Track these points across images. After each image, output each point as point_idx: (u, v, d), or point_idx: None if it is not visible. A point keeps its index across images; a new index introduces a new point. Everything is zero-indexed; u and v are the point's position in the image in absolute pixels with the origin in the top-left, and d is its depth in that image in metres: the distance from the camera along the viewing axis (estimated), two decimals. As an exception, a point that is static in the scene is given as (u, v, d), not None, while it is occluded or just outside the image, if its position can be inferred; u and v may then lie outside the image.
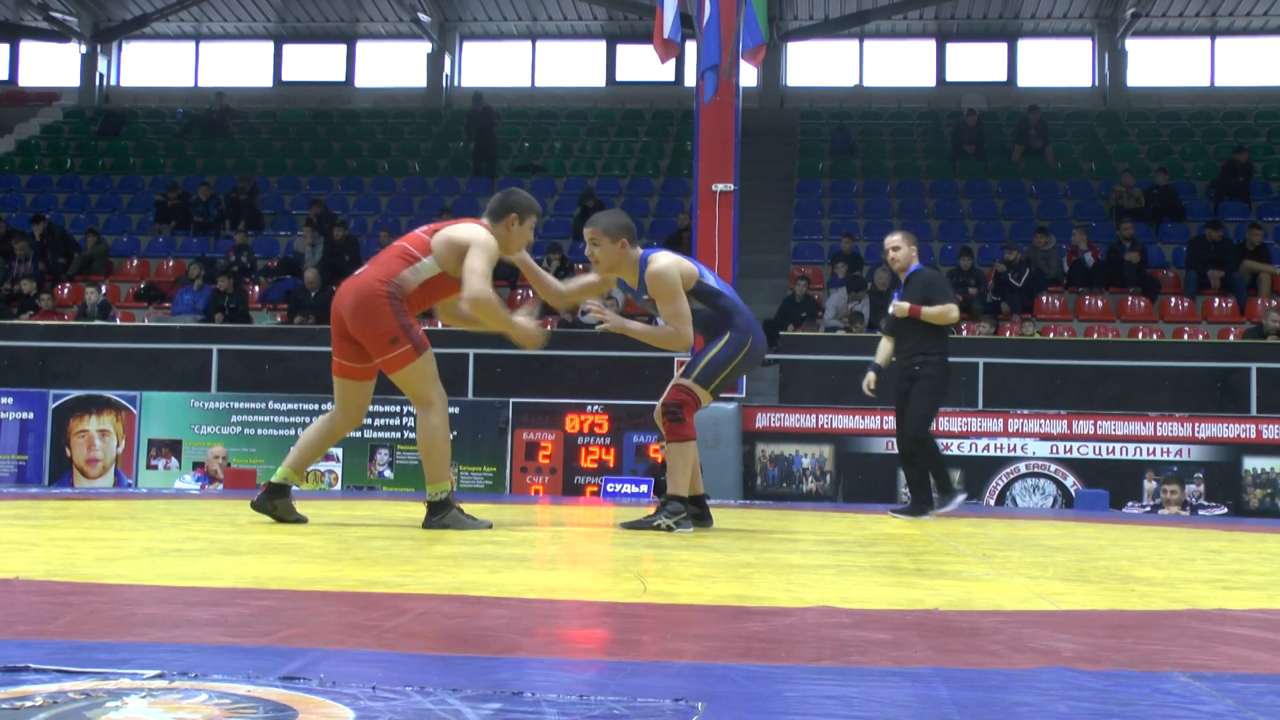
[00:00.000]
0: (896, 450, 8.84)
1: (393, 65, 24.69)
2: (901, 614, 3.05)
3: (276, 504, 5.80)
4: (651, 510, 6.44)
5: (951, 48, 23.50)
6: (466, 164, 21.19)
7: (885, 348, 8.54)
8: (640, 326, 6.14)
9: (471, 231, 5.64)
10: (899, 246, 8.37)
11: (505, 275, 17.09)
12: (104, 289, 16.61)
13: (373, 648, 2.32)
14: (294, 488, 5.91)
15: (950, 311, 8.16)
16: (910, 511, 8.29)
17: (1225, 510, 11.41)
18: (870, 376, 8.50)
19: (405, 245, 5.72)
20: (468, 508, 6.08)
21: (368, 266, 5.76)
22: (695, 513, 6.25)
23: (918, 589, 3.63)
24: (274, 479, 5.84)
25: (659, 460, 11.14)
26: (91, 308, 15.52)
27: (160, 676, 1.94)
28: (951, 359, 12.77)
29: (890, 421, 12.25)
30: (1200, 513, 10.95)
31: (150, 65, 25.23)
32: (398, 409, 12.48)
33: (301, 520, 5.80)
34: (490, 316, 5.62)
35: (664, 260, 6.00)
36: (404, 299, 5.60)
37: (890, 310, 8.42)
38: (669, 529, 5.86)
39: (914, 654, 2.41)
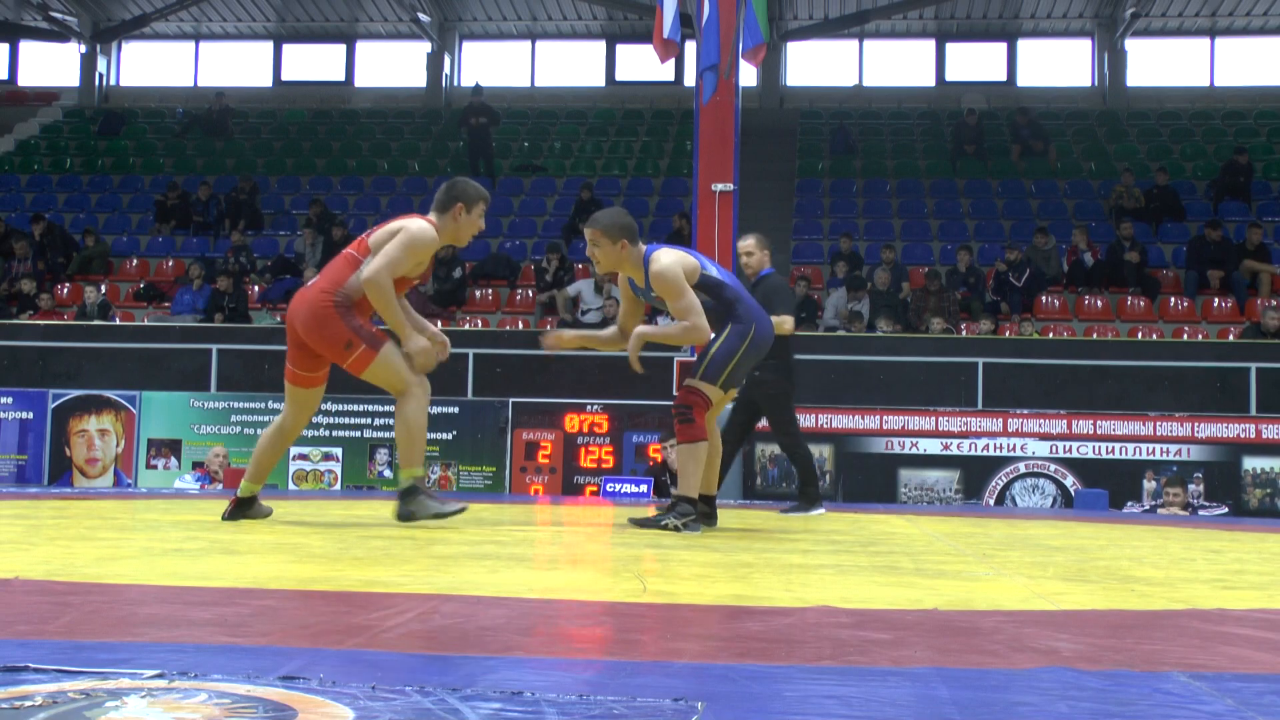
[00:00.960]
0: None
1: (392, 65, 24.70)
2: (901, 614, 3.05)
3: (248, 514, 5.98)
4: (652, 510, 6.44)
5: (951, 47, 23.50)
6: (465, 162, 21.19)
7: None
8: (656, 330, 6.14)
9: (403, 221, 5.73)
10: (752, 252, 8.37)
11: (505, 275, 17.10)
12: (104, 289, 16.60)
13: (372, 648, 2.32)
14: (258, 495, 6.09)
15: (786, 323, 8.10)
16: (800, 509, 8.31)
17: (1225, 510, 11.41)
18: None
19: (349, 251, 5.81)
20: (471, 507, 6.12)
21: (317, 277, 5.86)
22: (704, 510, 6.25)
23: (917, 589, 3.63)
24: (239, 494, 6.01)
25: (658, 460, 11.13)
26: (91, 307, 15.52)
27: (160, 676, 1.94)
28: (951, 358, 12.93)
29: (890, 422, 12.29)
30: (1200, 513, 10.95)
31: (150, 65, 25.24)
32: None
33: (269, 512, 6.06)
34: (382, 305, 5.62)
35: (666, 259, 5.96)
36: (353, 304, 5.67)
37: None
38: (676, 529, 5.84)
39: (914, 654, 2.40)
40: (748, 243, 8.45)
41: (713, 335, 6.11)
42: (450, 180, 6.00)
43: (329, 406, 12.64)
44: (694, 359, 6.27)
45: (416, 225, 5.68)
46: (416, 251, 5.64)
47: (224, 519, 5.92)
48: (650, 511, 6.67)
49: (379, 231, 5.76)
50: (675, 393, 6.24)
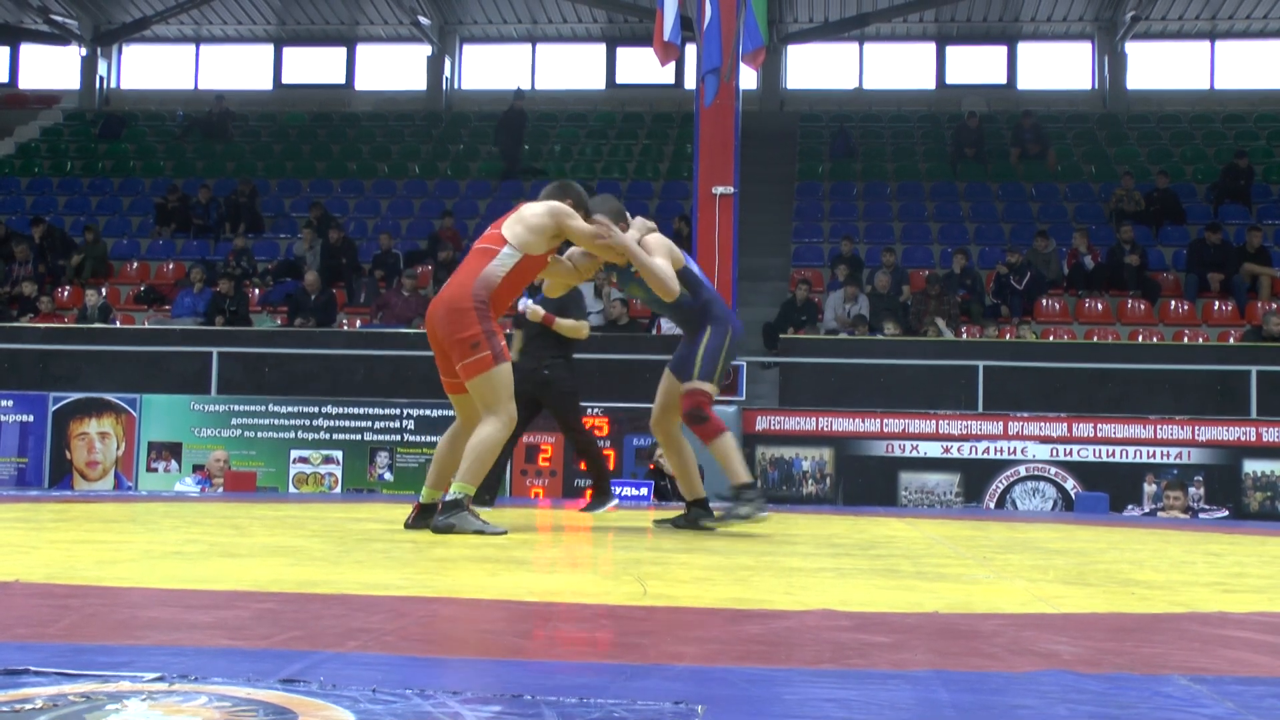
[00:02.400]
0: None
1: (393, 68, 24.70)
2: (901, 617, 3.05)
3: (428, 523, 5.86)
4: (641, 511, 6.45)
5: (951, 50, 23.50)
6: (467, 166, 21.19)
7: (518, 343, 8.55)
8: (644, 255, 6.06)
9: (534, 205, 5.94)
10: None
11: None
12: (104, 291, 16.60)
13: (373, 650, 2.32)
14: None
15: (583, 329, 8.38)
16: (592, 506, 8.38)
17: (1225, 513, 11.41)
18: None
19: (483, 245, 5.89)
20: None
21: (452, 277, 5.92)
22: (700, 514, 6.36)
23: (917, 592, 3.63)
24: (421, 499, 5.98)
25: (655, 466, 11.12)
26: (91, 310, 15.52)
27: (160, 679, 1.94)
28: (951, 361, 12.92)
29: (890, 425, 12.28)
30: (1200, 516, 10.95)
31: (150, 68, 25.24)
32: (397, 411, 12.49)
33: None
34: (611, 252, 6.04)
35: (659, 236, 6.24)
36: (490, 302, 5.71)
37: (522, 309, 8.48)
38: (749, 517, 6.06)
39: (914, 657, 2.41)
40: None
41: (692, 335, 6.23)
42: (562, 181, 6.21)
43: (330, 409, 12.65)
44: (674, 360, 6.33)
45: (553, 203, 5.93)
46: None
47: (406, 527, 5.88)
48: (654, 514, 6.72)
49: (508, 221, 5.92)
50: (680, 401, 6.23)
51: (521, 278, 5.89)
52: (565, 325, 8.35)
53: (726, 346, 6.18)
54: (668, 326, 14.31)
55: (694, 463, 6.56)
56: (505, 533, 5.57)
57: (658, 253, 6.08)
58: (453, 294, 5.75)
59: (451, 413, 6.20)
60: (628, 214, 6.24)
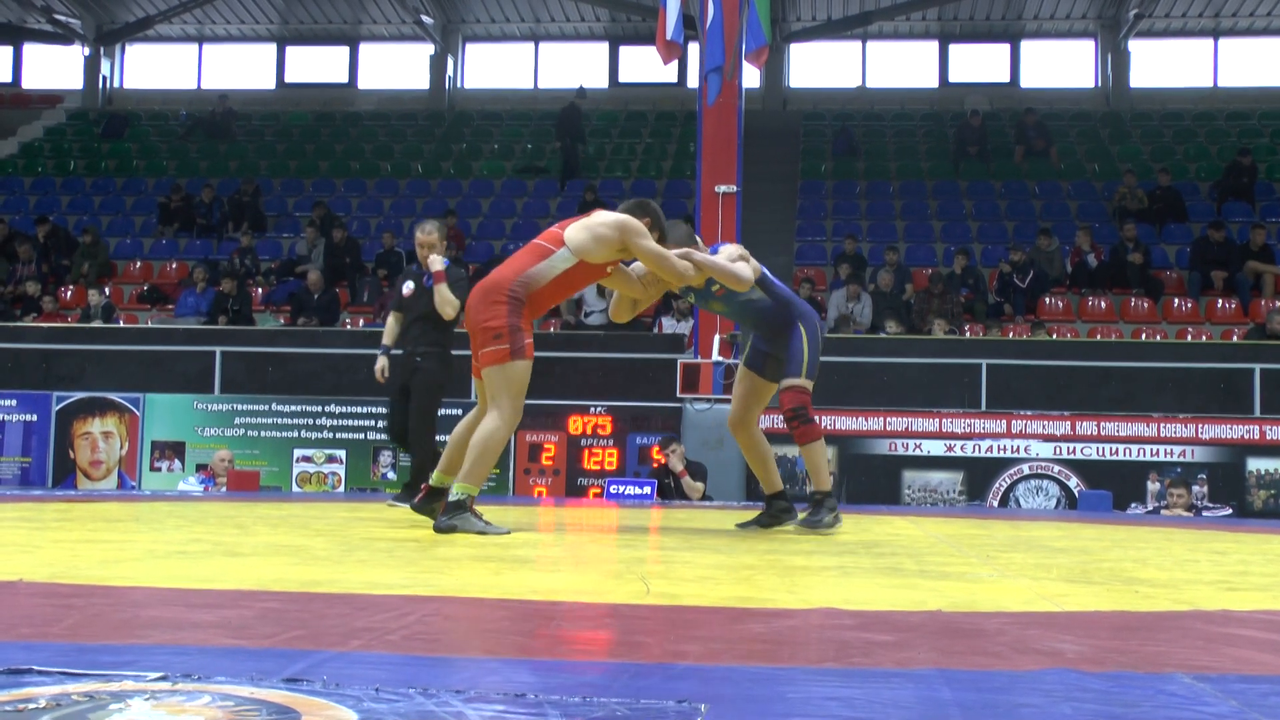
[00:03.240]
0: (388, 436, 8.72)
1: (396, 67, 24.70)
2: (905, 615, 3.04)
3: (435, 506, 5.88)
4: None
5: (954, 49, 23.48)
6: (469, 165, 21.19)
7: (394, 328, 8.43)
8: (706, 257, 6.09)
9: (604, 215, 5.83)
10: (434, 243, 8.26)
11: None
12: (107, 291, 16.61)
13: (376, 650, 2.32)
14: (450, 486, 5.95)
15: (452, 306, 8.21)
16: (404, 499, 8.20)
17: (1229, 512, 11.40)
18: (383, 362, 8.29)
19: (539, 242, 5.81)
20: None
21: (500, 266, 5.84)
22: (784, 507, 6.53)
23: (921, 590, 3.63)
24: (431, 482, 5.99)
25: (662, 462, 11.12)
26: (95, 310, 15.53)
27: (163, 678, 1.94)
28: (955, 360, 12.91)
29: (893, 423, 12.28)
30: (1204, 514, 10.94)
31: (153, 67, 25.25)
32: (401, 411, 12.48)
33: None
34: (702, 273, 5.99)
35: (734, 249, 6.27)
36: (526, 300, 5.64)
37: (405, 292, 8.39)
38: (831, 525, 6.26)
39: (917, 655, 2.40)
40: (429, 233, 8.31)
41: (784, 334, 6.33)
42: (640, 199, 6.13)
43: (333, 408, 12.65)
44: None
45: (623, 217, 5.80)
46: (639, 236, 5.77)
47: (412, 508, 6.04)
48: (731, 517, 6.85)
49: (574, 225, 5.81)
50: (780, 401, 6.36)
51: (571, 284, 5.81)
52: (443, 293, 8.14)
53: (819, 343, 6.32)
54: (669, 325, 14.31)
55: (772, 458, 6.68)
56: (508, 533, 5.54)
57: (732, 255, 6.14)
58: (492, 281, 5.70)
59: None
60: (699, 239, 6.29)
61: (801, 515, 6.47)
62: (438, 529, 5.52)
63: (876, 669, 2.25)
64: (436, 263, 8.16)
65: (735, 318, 6.58)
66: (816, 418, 6.31)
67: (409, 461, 8.67)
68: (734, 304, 6.29)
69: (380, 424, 12.55)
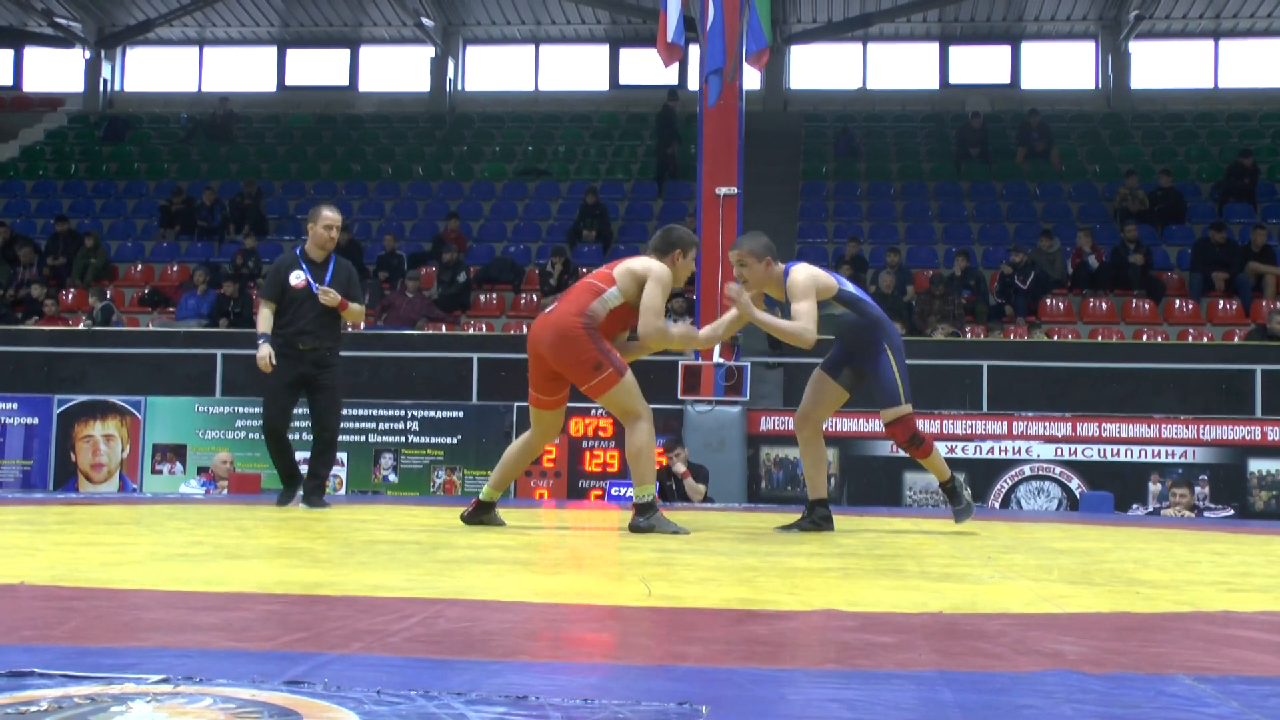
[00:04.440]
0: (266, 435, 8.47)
1: (396, 69, 24.73)
2: (906, 617, 3.05)
3: (484, 519, 6.33)
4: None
5: (955, 50, 23.50)
6: (470, 168, 21.20)
7: (269, 317, 8.12)
8: (769, 317, 6.31)
9: (647, 264, 6.15)
10: (331, 225, 8.26)
11: (509, 279, 17.10)
12: (109, 294, 16.62)
13: (377, 652, 2.32)
14: (497, 502, 6.46)
15: (363, 313, 8.43)
16: (281, 501, 8.30)
17: (1230, 512, 11.40)
18: (268, 350, 8.02)
19: (591, 281, 6.19)
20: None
21: (558, 303, 6.22)
22: (825, 514, 6.66)
23: (922, 592, 3.63)
24: (481, 497, 6.38)
25: (663, 465, 11.12)
26: (96, 314, 15.54)
27: (165, 681, 1.94)
28: (956, 361, 12.92)
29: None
30: (1205, 515, 10.93)
31: (154, 70, 25.28)
32: (401, 412, 12.49)
33: (502, 524, 6.35)
34: (661, 345, 6.31)
35: (805, 270, 6.35)
36: (598, 328, 6.03)
37: (294, 283, 8.11)
38: (964, 519, 6.77)
39: (918, 657, 2.41)
40: (333, 214, 8.34)
41: (869, 352, 6.46)
42: (666, 227, 6.39)
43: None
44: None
45: (659, 268, 6.11)
46: (668, 292, 6.18)
47: (462, 519, 6.31)
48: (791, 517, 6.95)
49: (622, 267, 6.17)
50: (886, 429, 6.68)
51: (624, 320, 6.20)
52: (355, 311, 8.25)
53: (904, 358, 6.48)
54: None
55: (825, 464, 6.85)
56: (688, 532, 5.91)
57: (802, 295, 6.19)
58: (560, 320, 6.05)
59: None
60: (774, 249, 6.38)
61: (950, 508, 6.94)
62: (634, 528, 5.95)
63: (877, 670, 2.25)
64: (332, 297, 8.08)
65: (825, 330, 6.60)
66: (923, 433, 6.64)
67: (310, 458, 8.41)
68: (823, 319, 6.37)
69: (380, 427, 12.55)
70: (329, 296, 8.05)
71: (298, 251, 8.35)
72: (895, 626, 2.87)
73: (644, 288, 6.06)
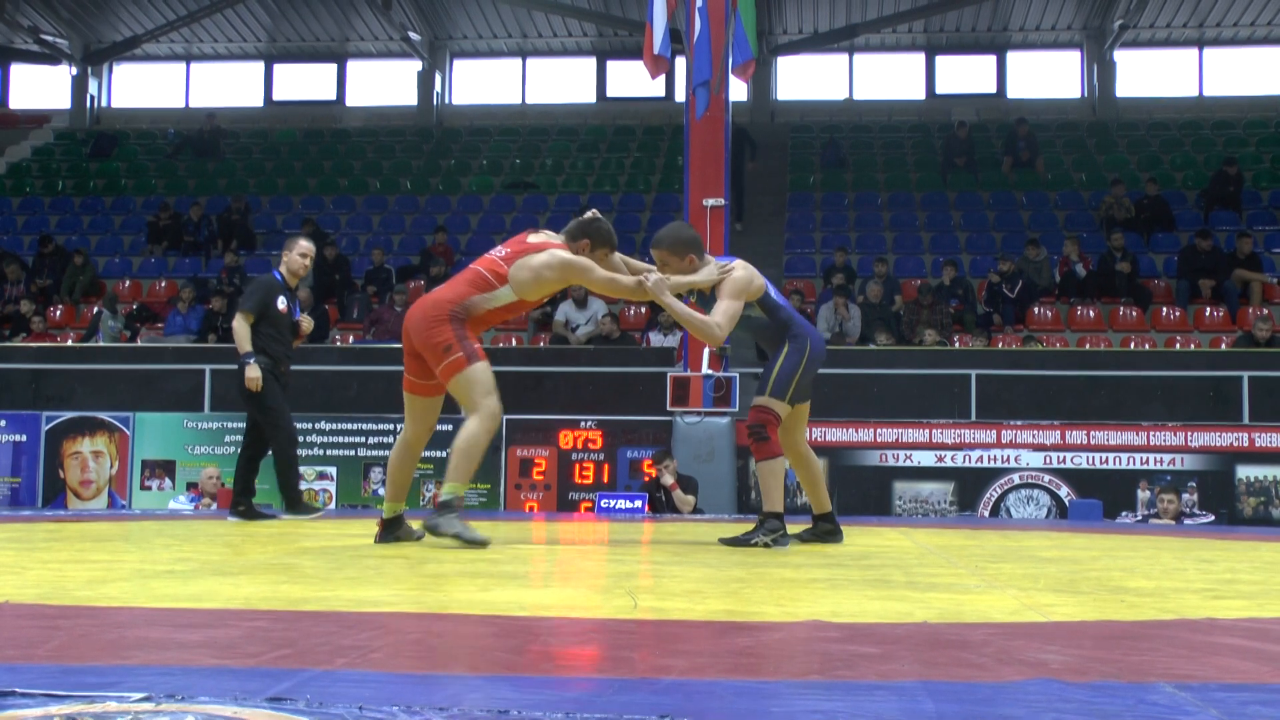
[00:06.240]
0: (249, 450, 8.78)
1: (383, 84, 24.74)
2: (891, 627, 3.05)
3: (397, 534, 6.01)
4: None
5: (941, 60, 23.57)
6: (458, 181, 21.21)
7: (249, 334, 8.44)
8: (682, 307, 6.07)
9: (552, 258, 5.79)
10: (308, 255, 8.74)
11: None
12: (96, 309, 16.59)
13: (361, 667, 2.32)
14: (404, 512, 6.12)
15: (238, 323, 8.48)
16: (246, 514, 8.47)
17: (1212, 519, 11.41)
18: (259, 371, 8.35)
19: (479, 269, 5.88)
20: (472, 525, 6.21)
21: (441, 287, 5.96)
22: (828, 529, 6.49)
23: (908, 602, 3.64)
24: (385, 515, 6.06)
25: (653, 476, 11.13)
26: (103, 321, 15.48)
27: (147, 699, 1.94)
28: (944, 370, 12.94)
29: (883, 434, 12.29)
30: (1185, 521, 10.94)
31: (141, 86, 25.26)
32: (391, 426, 12.49)
33: (418, 536, 6.00)
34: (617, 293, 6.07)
35: (745, 269, 6.18)
36: (467, 320, 5.78)
37: (281, 307, 8.55)
38: (767, 545, 5.99)
39: (901, 667, 2.41)
40: (309, 246, 8.78)
41: (771, 353, 6.31)
42: (591, 218, 6.08)
43: (323, 425, 12.64)
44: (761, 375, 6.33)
45: (567, 257, 5.82)
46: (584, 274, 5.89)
47: (376, 542, 5.93)
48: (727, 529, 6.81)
49: (518, 264, 5.79)
50: (748, 413, 6.37)
51: (508, 312, 5.96)
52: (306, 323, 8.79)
53: (804, 365, 6.24)
54: (657, 339, 14.33)
55: (821, 478, 6.64)
56: (486, 543, 5.58)
57: (731, 294, 6.03)
58: (432, 302, 5.83)
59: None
60: (702, 244, 6.22)
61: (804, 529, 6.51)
62: (426, 526, 5.67)
63: (860, 681, 2.26)
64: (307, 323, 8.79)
65: (737, 331, 6.55)
66: (774, 435, 6.17)
67: (285, 475, 8.66)
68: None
69: (370, 441, 12.55)
70: (308, 324, 8.66)
71: (277, 276, 8.63)
72: (880, 637, 2.88)
73: (549, 284, 5.81)
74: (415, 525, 6.07)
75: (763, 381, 6.25)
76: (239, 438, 12.71)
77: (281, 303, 8.48)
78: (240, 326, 8.37)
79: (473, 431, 5.73)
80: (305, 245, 8.72)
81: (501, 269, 5.83)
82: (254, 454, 8.72)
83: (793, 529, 6.83)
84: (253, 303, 8.43)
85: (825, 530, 6.53)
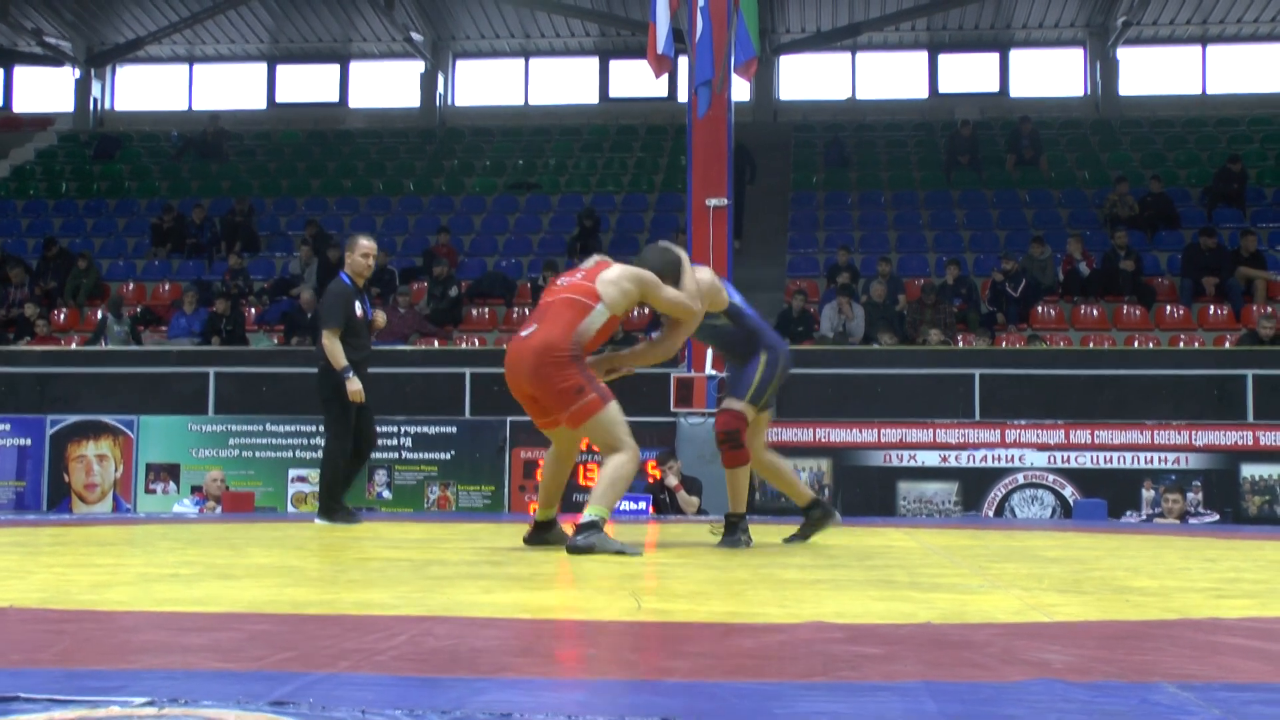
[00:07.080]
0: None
1: (386, 85, 24.75)
2: (894, 628, 3.05)
3: (548, 536, 6.06)
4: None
5: (944, 59, 23.55)
6: (461, 182, 21.21)
7: (342, 349, 8.48)
8: (635, 353, 6.29)
9: (634, 274, 5.93)
10: (369, 253, 8.71)
11: (501, 294, 17.09)
12: (101, 313, 16.60)
13: (365, 671, 2.33)
14: (555, 518, 6.19)
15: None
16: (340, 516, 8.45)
17: (1217, 518, 11.40)
18: (359, 384, 8.38)
19: (572, 296, 5.86)
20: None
21: (539, 327, 5.84)
22: (819, 515, 6.60)
23: (912, 602, 3.64)
24: (537, 518, 6.16)
25: (657, 478, 11.13)
26: (109, 325, 15.49)
27: (150, 703, 1.94)
28: (948, 370, 12.93)
29: (887, 434, 12.29)
30: (1190, 521, 10.93)
31: (144, 88, 25.28)
32: (395, 429, 12.49)
33: (564, 541, 5.88)
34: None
35: (708, 273, 6.27)
36: (582, 355, 5.79)
37: (358, 313, 8.57)
38: (733, 547, 6.15)
39: (904, 668, 2.41)
40: (369, 245, 8.74)
41: (744, 361, 6.32)
42: (663, 246, 6.18)
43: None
44: (699, 377, 6.37)
45: (645, 273, 5.96)
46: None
47: (525, 541, 6.04)
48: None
49: (603, 280, 5.86)
50: (716, 417, 6.43)
51: (601, 338, 5.97)
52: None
53: (777, 376, 6.30)
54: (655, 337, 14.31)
55: (791, 473, 6.76)
56: (639, 552, 5.64)
57: (703, 286, 6.11)
58: (544, 344, 5.72)
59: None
60: (674, 264, 6.21)
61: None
62: (572, 548, 5.54)
63: (863, 682, 2.26)
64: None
65: (700, 338, 6.62)
66: (745, 441, 6.24)
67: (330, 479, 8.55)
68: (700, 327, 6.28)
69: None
70: (382, 318, 8.74)
71: (347, 280, 8.56)
72: (883, 638, 2.88)
73: (633, 297, 5.89)
74: (567, 529, 6.03)
75: (739, 386, 6.29)
76: (243, 440, 12.77)
77: (357, 308, 8.48)
78: (331, 344, 8.33)
79: (622, 463, 5.73)
80: (366, 244, 8.62)
81: (592, 288, 5.85)
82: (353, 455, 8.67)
83: (788, 530, 6.85)
84: (337, 318, 8.40)
85: (817, 517, 6.57)
